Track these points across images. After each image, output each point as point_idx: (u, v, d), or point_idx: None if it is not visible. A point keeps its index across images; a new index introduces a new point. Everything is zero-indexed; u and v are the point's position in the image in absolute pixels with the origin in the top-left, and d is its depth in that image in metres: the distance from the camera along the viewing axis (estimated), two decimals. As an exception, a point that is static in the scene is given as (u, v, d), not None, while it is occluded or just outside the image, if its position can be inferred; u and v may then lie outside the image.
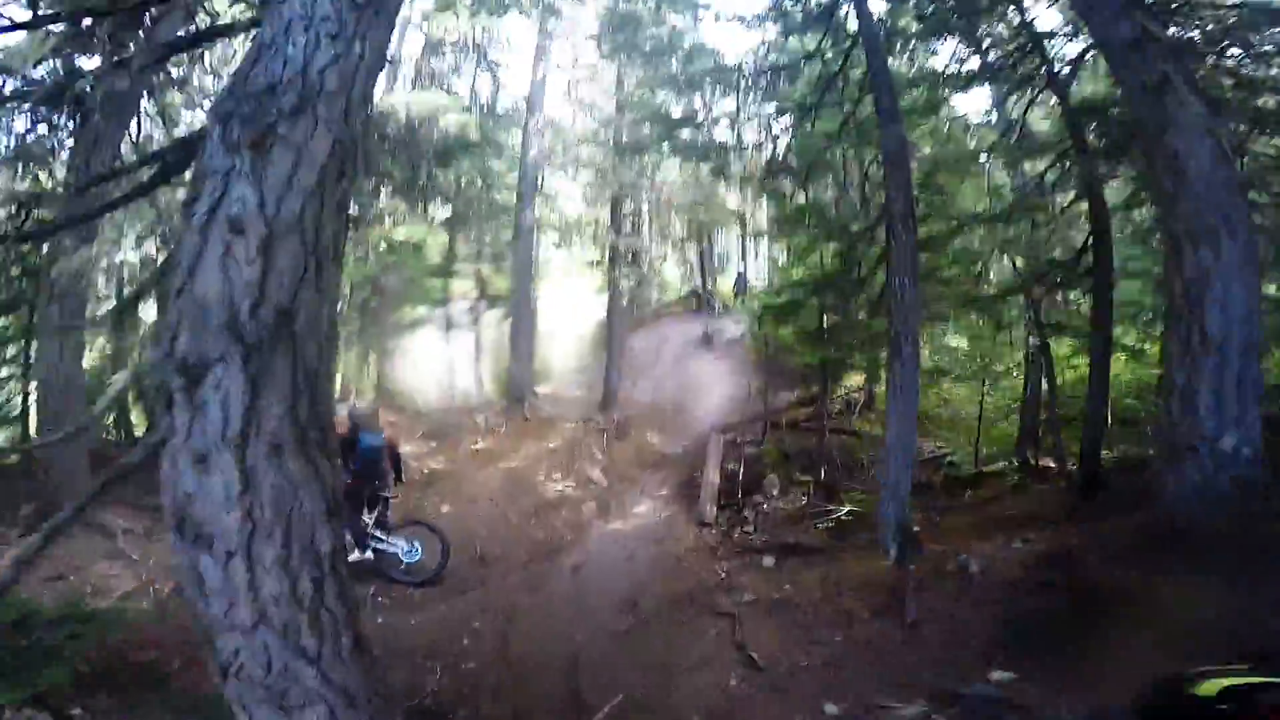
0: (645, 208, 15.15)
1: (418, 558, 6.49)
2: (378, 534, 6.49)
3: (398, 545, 6.48)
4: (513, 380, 12.13)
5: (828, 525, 7.47)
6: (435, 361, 15.76)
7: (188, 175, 2.77)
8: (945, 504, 8.09)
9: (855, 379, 13.08)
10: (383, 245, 11.73)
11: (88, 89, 4.61)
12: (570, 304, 17.83)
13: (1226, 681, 1.14)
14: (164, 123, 8.25)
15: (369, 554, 6.36)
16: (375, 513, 6.61)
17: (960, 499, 8.38)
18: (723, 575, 6.48)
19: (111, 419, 11.55)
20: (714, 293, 18.67)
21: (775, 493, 9.29)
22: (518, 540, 7.80)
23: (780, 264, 22.96)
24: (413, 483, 9.21)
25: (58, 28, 4.04)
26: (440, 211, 14.66)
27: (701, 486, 9.30)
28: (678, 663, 4.52)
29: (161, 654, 4.68)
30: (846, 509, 7.64)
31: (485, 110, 14.19)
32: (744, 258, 21.95)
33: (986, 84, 8.40)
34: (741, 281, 20.25)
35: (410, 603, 6.02)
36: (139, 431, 12.37)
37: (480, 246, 16.45)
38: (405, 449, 9.94)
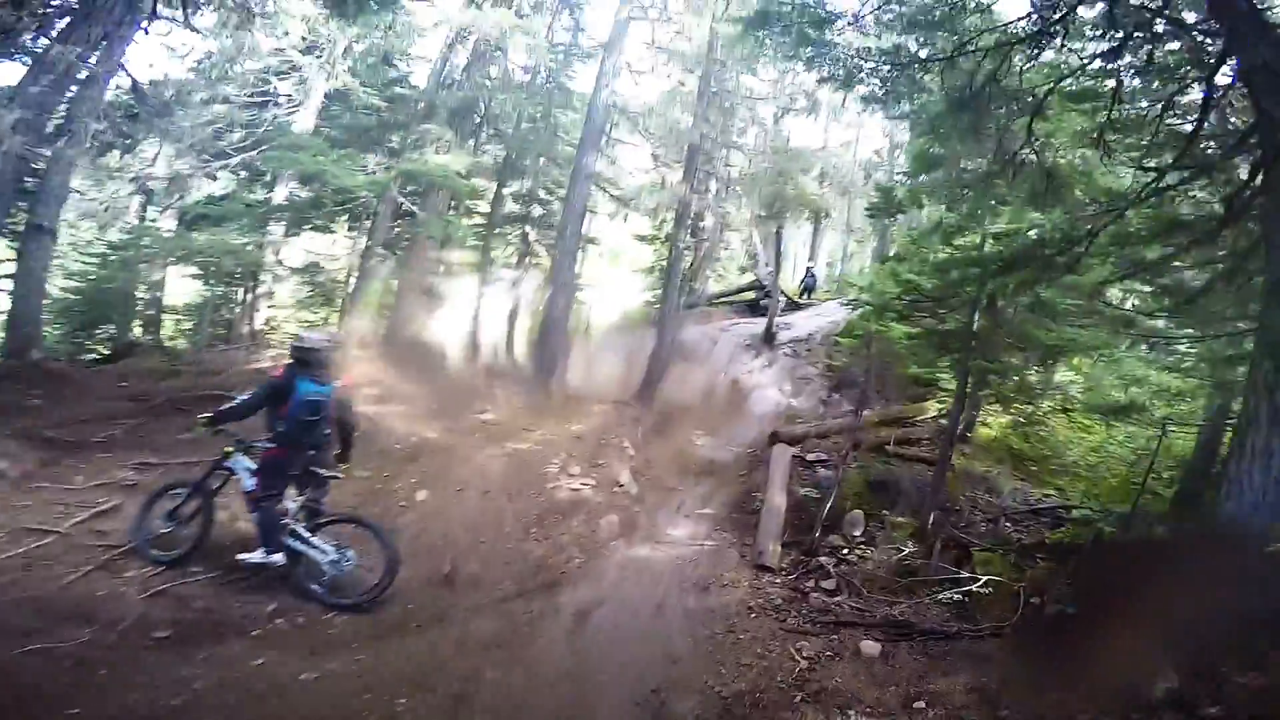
0: (716, 181, 12.91)
1: (349, 568, 4.43)
2: (300, 529, 4.45)
3: (324, 548, 4.44)
4: (542, 348, 10.03)
5: (953, 598, 5.07)
6: (461, 317, 13.90)
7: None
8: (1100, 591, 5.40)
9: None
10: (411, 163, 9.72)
11: None
12: (617, 280, 15.78)
13: None
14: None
15: (279, 556, 4.32)
16: (304, 497, 4.58)
17: (1125, 584, 5.71)
18: (802, 662, 4.21)
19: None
20: (778, 287, 16.29)
21: (857, 534, 6.94)
22: (509, 555, 5.66)
23: (845, 261, 20.73)
24: (391, 453, 7.23)
25: None
26: (491, 154, 12.83)
27: (761, 514, 7.01)
28: None
29: None
30: (984, 579, 5.20)
31: (561, 51, 12.23)
32: (812, 255, 19.98)
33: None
34: (811, 278, 18.21)
35: (320, 637, 3.96)
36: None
37: (530, 205, 14.59)
38: (383, 409, 8.02)
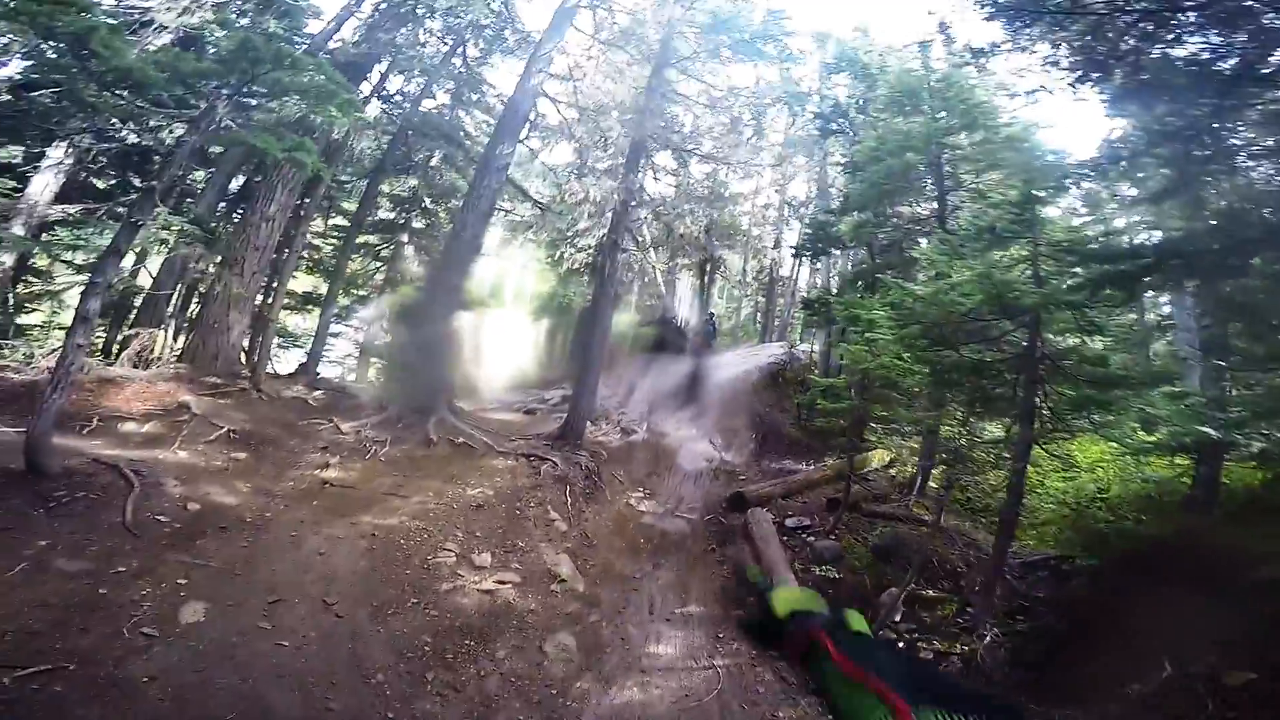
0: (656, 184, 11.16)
1: None
2: None
3: None
4: (418, 379, 7.08)
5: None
6: (302, 335, 10.33)
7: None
8: None
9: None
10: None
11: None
12: (510, 318, 13.07)
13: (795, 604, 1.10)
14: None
15: None
16: None
17: None
18: None
19: None
20: (690, 329, 14.74)
21: (898, 619, 4.88)
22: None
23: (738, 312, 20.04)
24: (145, 528, 3.96)
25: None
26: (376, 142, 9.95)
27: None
28: None
29: None
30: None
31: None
32: (707, 303, 18.98)
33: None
34: (712, 325, 16.99)
35: None
36: None
37: (412, 212, 11.58)
38: (149, 455, 4.75)
